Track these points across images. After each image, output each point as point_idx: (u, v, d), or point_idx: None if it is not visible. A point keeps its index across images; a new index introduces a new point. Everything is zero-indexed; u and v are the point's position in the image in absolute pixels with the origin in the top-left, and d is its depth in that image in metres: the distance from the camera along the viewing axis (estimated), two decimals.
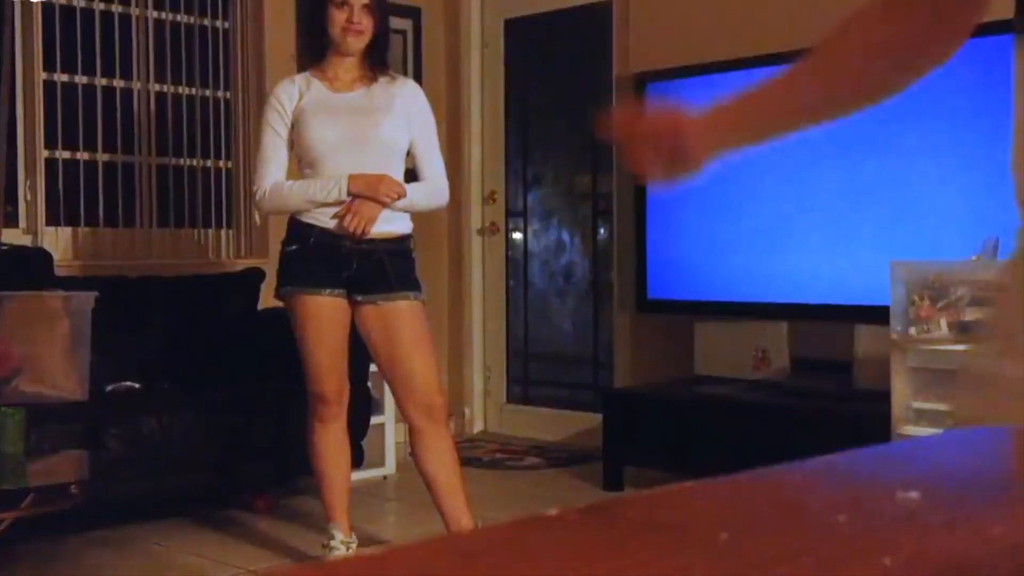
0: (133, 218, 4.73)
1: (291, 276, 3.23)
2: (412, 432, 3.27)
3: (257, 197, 3.29)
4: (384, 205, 3.17)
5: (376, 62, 3.26)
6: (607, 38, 5.18)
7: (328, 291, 3.21)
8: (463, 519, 3.23)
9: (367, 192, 3.15)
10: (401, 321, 3.22)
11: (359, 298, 3.22)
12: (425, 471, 3.27)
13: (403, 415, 3.31)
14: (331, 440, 3.35)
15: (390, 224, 3.22)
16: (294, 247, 3.23)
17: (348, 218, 3.14)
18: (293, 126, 3.23)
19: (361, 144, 3.21)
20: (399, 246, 3.26)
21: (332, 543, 3.37)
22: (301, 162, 3.26)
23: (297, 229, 3.24)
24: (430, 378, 3.24)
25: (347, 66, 3.26)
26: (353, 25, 3.16)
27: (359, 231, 3.15)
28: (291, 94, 3.24)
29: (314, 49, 3.30)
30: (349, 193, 3.15)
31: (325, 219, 3.19)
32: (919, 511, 0.62)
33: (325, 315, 3.22)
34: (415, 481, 4.39)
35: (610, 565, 0.52)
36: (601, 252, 5.46)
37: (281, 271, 3.28)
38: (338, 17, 3.16)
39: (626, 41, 5.03)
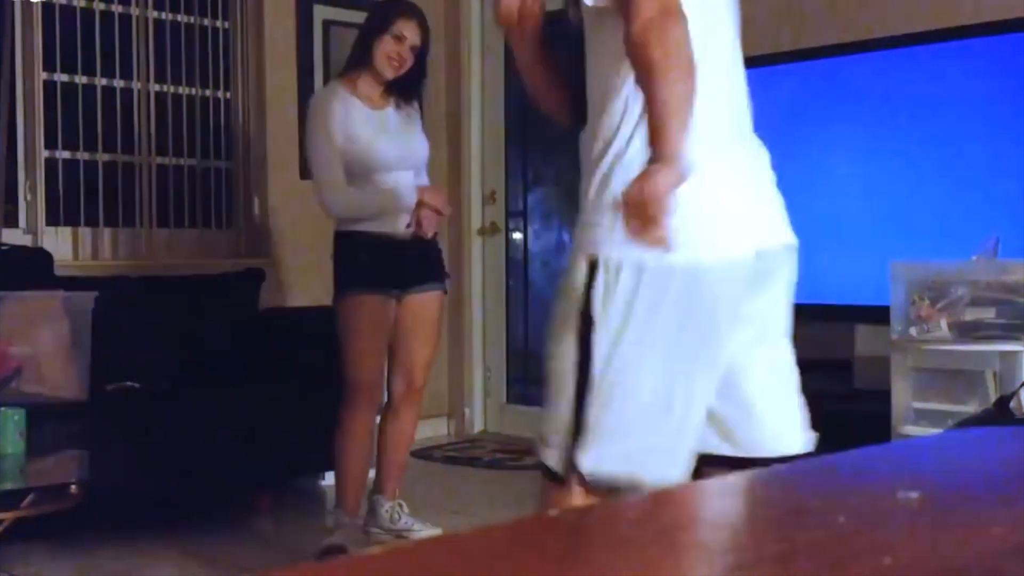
0: (133, 218, 4.72)
1: (360, 280, 3.52)
2: (389, 399, 3.71)
3: (328, 201, 3.53)
4: (442, 216, 3.62)
5: (399, 92, 3.60)
6: None
7: (391, 291, 3.57)
8: (394, 481, 3.72)
9: (436, 203, 3.58)
10: (431, 308, 3.67)
11: (414, 288, 3.61)
12: (384, 428, 3.70)
13: (388, 383, 3.71)
14: (369, 431, 3.62)
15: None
16: (363, 255, 3.52)
17: (423, 223, 3.55)
18: (343, 139, 3.50)
19: (408, 159, 3.60)
20: (435, 240, 3.68)
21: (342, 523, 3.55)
22: (348, 173, 3.51)
23: (357, 238, 3.53)
24: (426, 362, 3.69)
25: (375, 85, 3.58)
26: (401, 59, 3.53)
27: (429, 235, 3.58)
28: (335, 109, 3.50)
29: (353, 61, 3.61)
30: (421, 203, 3.53)
31: (380, 226, 3.51)
32: (919, 511, 0.62)
33: (386, 315, 3.57)
34: (415, 481, 4.39)
35: (610, 565, 0.52)
36: None
37: (347, 276, 3.55)
38: (390, 47, 3.52)
39: None
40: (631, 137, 1.87)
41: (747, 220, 1.95)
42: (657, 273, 1.84)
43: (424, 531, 3.64)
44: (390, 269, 3.53)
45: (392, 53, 3.51)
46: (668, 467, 1.89)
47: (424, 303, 3.63)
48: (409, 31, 3.53)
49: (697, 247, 1.86)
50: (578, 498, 1.94)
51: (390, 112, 3.59)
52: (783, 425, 2.06)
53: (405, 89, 3.60)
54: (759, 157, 2.07)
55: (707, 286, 1.88)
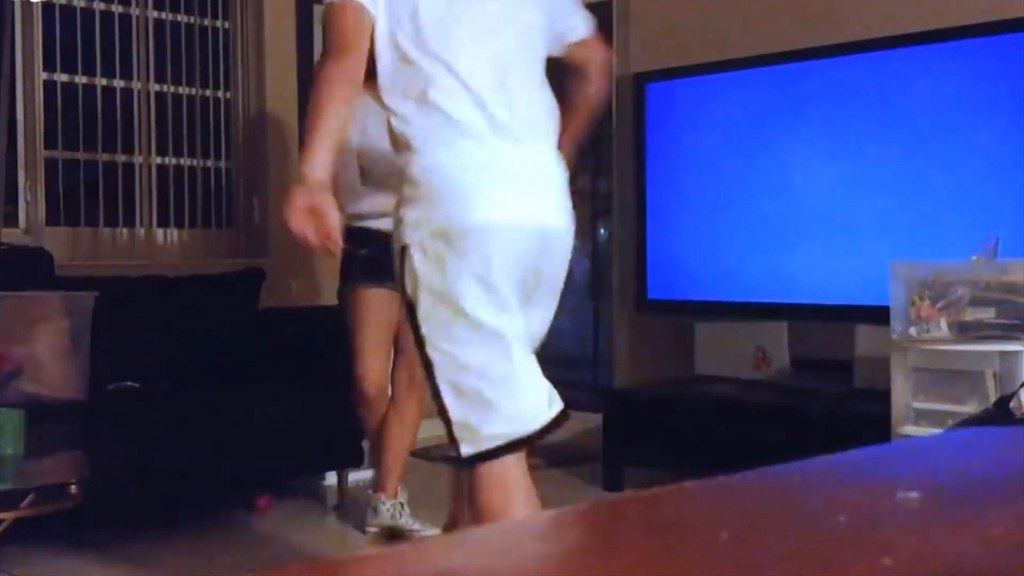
0: (133, 218, 4.73)
1: (365, 274, 3.69)
2: (393, 391, 3.76)
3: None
4: None
5: None
6: (607, 38, 5.18)
7: (394, 285, 3.69)
8: (397, 479, 3.76)
9: None
10: None
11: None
12: (388, 421, 3.73)
13: (391, 379, 3.78)
14: (379, 419, 3.75)
15: None
16: (367, 249, 3.66)
17: None
18: (359, 139, 3.70)
19: None
20: None
21: (381, 510, 3.71)
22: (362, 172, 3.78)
23: (361, 234, 3.66)
24: None
25: None
26: None
27: None
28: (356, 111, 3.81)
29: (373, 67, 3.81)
30: None
31: (382, 224, 3.64)
32: (919, 511, 0.62)
33: (392, 309, 3.66)
34: (415, 481, 4.40)
35: (610, 565, 0.52)
36: (601, 252, 5.46)
37: (353, 269, 3.74)
38: None
39: (626, 41, 5.02)
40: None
41: (493, 198, 2.24)
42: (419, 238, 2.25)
43: (424, 532, 3.64)
44: (392, 264, 3.62)
45: None
46: (517, 416, 2.21)
47: None
48: None
49: (440, 214, 2.22)
50: (489, 479, 2.21)
51: None
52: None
53: None
54: (532, 155, 2.33)
55: (455, 245, 2.20)
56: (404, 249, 2.28)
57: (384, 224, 3.57)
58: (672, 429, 4.24)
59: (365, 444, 4.23)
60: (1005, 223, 3.60)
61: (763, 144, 4.32)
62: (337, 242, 2.19)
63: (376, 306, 3.69)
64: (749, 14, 4.55)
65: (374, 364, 3.70)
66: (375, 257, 3.65)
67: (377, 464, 3.80)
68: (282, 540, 3.77)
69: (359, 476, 4.20)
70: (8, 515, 2.92)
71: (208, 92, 4.96)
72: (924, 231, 3.88)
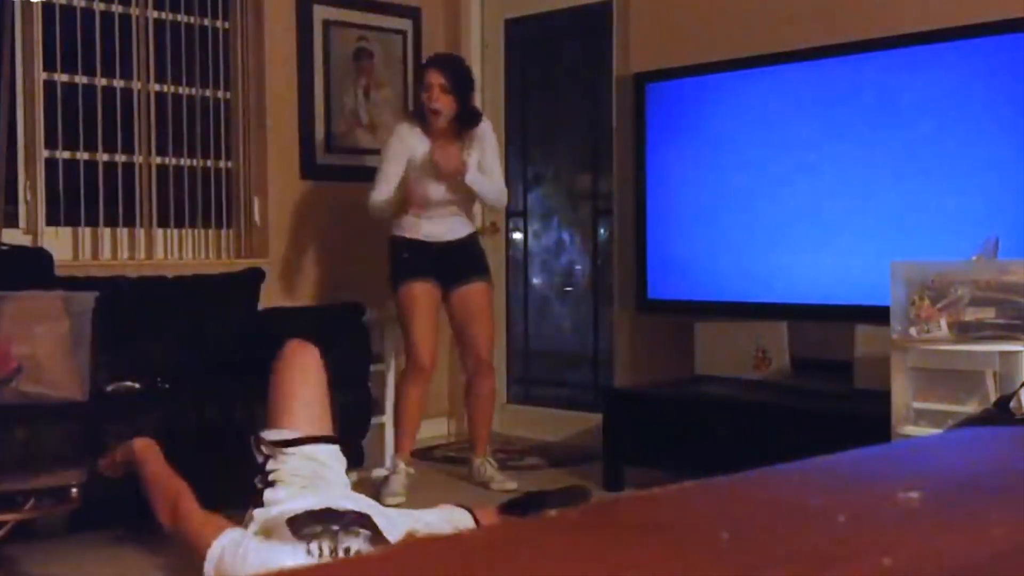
0: (133, 218, 4.72)
1: (405, 272, 4.37)
2: (467, 378, 4.57)
3: (371, 201, 4.35)
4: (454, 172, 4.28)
5: (463, 128, 4.35)
6: (607, 38, 5.18)
7: (434, 280, 4.38)
8: (482, 442, 4.57)
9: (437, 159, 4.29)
10: (479, 298, 4.45)
11: (459, 283, 4.43)
12: (467, 404, 4.62)
13: (462, 365, 4.67)
14: (420, 394, 4.41)
15: (460, 229, 4.44)
16: (405, 252, 4.38)
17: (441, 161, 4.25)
18: (405, 161, 4.33)
19: (444, 181, 4.36)
20: (469, 241, 4.48)
21: (398, 469, 4.35)
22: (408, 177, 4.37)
23: (399, 241, 4.40)
24: (485, 342, 4.48)
25: (441, 130, 4.32)
26: (431, 104, 4.25)
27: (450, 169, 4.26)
28: (410, 139, 4.33)
29: (422, 111, 4.37)
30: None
31: (412, 233, 4.38)
32: (919, 511, 0.62)
33: (431, 297, 4.38)
34: (415, 480, 4.39)
35: (610, 565, 0.52)
36: (601, 252, 5.46)
37: (396, 269, 4.41)
38: (425, 97, 4.29)
39: (626, 41, 5.02)
40: None
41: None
42: None
43: (504, 483, 4.39)
44: (429, 263, 4.35)
45: (427, 101, 4.27)
46: None
47: (471, 295, 4.43)
48: (431, 77, 4.27)
49: None
50: None
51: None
52: None
53: (462, 122, 4.34)
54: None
55: None
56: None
57: (414, 234, 4.35)
58: (672, 429, 4.24)
59: (364, 444, 4.24)
60: (1005, 223, 3.60)
61: (763, 144, 4.32)
62: None
63: (418, 296, 4.33)
64: (749, 14, 4.55)
65: (427, 338, 4.33)
66: (413, 257, 4.35)
67: (397, 427, 4.43)
68: None
69: (359, 476, 4.19)
70: (10, 517, 2.92)
71: (208, 92, 4.96)
72: (924, 231, 3.88)
